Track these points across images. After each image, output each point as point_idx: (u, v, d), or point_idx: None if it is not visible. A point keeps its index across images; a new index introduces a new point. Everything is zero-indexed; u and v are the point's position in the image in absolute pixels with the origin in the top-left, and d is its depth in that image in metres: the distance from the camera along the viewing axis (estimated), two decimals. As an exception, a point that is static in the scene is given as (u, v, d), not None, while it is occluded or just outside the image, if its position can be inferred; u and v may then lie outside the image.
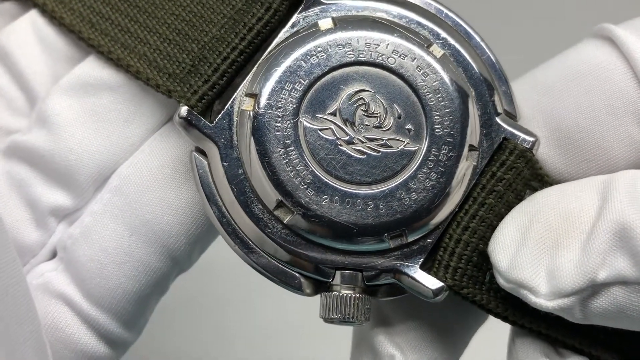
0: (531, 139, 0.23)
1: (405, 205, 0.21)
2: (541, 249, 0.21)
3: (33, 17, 0.27)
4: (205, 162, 0.22)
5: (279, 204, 0.22)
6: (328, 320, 0.22)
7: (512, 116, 0.24)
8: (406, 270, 0.22)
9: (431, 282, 0.22)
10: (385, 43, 0.22)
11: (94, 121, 0.25)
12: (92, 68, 0.26)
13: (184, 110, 0.22)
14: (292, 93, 0.22)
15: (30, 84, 0.26)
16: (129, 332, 0.25)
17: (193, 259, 0.25)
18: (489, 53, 0.24)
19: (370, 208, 0.21)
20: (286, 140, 0.22)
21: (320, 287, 0.22)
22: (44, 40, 0.26)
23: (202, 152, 0.23)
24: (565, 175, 0.24)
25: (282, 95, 0.22)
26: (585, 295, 0.21)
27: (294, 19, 0.23)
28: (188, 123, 0.22)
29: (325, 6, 0.23)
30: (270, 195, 0.22)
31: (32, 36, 0.27)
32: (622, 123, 0.24)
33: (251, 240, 0.22)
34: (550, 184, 0.24)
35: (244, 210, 0.22)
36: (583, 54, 0.25)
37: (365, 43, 0.22)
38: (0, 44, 0.27)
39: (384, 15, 0.23)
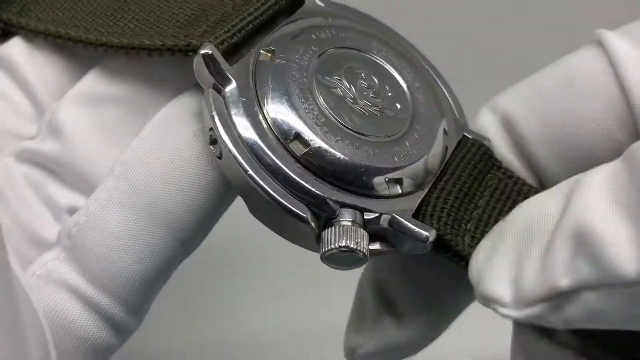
0: (486, 142, 0.26)
1: (403, 157, 0.24)
2: (507, 260, 0.22)
3: (28, 37, 0.28)
4: (221, 98, 0.23)
5: (296, 136, 0.23)
6: (328, 254, 0.22)
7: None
8: (400, 215, 0.23)
9: (423, 227, 0.23)
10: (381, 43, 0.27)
11: (104, 132, 0.26)
12: (96, 81, 0.26)
13: (207, 47, 0.23)
14: (304, 56, 0.25)
15: (35, 92, 0.27)
16: (132, 318, 0.25)
17: (197, 241, 0.26)
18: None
19: (375, 153, 0.24)
20: (302, 86, 0.24)
21: (324, 224, 0.23)
22: (43, 52, 0.27)
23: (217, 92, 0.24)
24: (556, 178, 0.25)
25: (297, 55, 0.24)
26: (555, 303, 0.20)
27: None
28: (210, 59, 0.23)
29: None
30: (287, 127, 0.23)
31: (33, 48, 0.27)
32: (606, 127, 0.24)
33: (264, 169, 0.23)
34: (506, 173, 0.26)
35: (260, 139, 0.23)
36: (578, 59, 0.25)
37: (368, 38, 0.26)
38: (2, 55, 0.27)
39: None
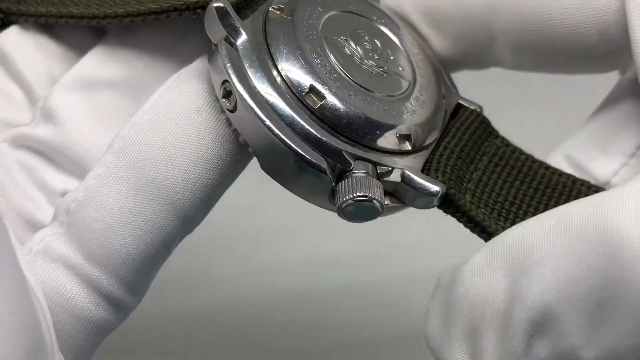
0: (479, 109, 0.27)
1: (411, 115, 0.24)
2: (462, 349, 0.22)
3: (22, 24, 0.28)
4: (234, 51, 0.23)
5: (310, 89, 0.23)
6: (344, 205, 0.23)
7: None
8: (411, 170, 0.24)
9: (432, 182, 0.24)
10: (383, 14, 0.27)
11: (99, 116, 0.26)
12: (92, 66, 0.26)
13: (219, 0, 0.23)
14: (312, 14, 0.25)
15: (28, 82, 0.27)
16: (131, 296, 0.24)
17: (199, 218, 0.25)
18: None
19: (385, 109, 0.24)
20: (313, 42, 0.24)
21: (338, 177, 0.23)
22: (36, 41, 0.27)
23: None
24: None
25: (306, 13, 0.25)
26: None
27: None
28: (223, 12, 0.23)
29: None
30: (302, 79, 0.23)
31: (26, 37, 0.27)
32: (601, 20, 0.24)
33: (280, 120, 0.23)
34: (504, 142, 0.26)
35: (275, 91, 0.23)
36: None
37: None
38: None
39: None
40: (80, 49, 0.27)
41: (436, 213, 0.24)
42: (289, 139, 0.22)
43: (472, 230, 0.24)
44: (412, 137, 0.24)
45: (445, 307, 0.23)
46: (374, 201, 0.22)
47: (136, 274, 0.24)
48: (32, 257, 0.24)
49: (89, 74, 0.26)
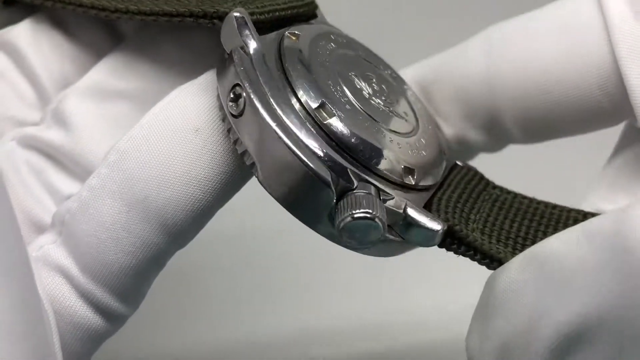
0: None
1: (416, 153, 0.24)
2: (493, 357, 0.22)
3: (37, 19, 0.27)
4: (248, 58, 0.23)
5: (321, 105, 0.23)
6: (343, 223, 0.21)
7: None
8: (412, 207, 0.23)
9: (434, 219, 0.23)
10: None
11: (111, 126, 0.26)
12: (108, 74, 0.26)
13: (239, 11, 0.23)
14: (326, 47, 0.25)
15: (41, 81, 0.27)
16: (126, 306, 0.25)
17: (191, 236, 0.25)
18: None
19: (392, 140, 0.24)
20: (326, 67, 0.24)
21: (339, 196, 0.22)
22: (50, 39, 0.27)
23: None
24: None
25: (320, 44, 0.25)
26: None
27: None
28: (242, 21, 0.23)
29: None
30: (314, 95, 0.23)
31: (40, 34, 0.27)
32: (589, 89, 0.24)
33: (289, 128, 0.22)
34: (503, 190, 0.26)
35: (285, 102, 0.22)
36: (567, 9, 0.25)
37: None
38: (8, 39, 0.27)
39: None
40: (95, 52, 0.27)
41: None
42: (294, 146, 0.22)
43: (489, 267, 0.23)
44: (415, 172, 0.24)
45: (481, 320, 0.23)
46: (376, 219, 0.21)
47: (130, 287, 0.24)
48: (34, 263, 0.24)
49: (105, 83, 0.26)
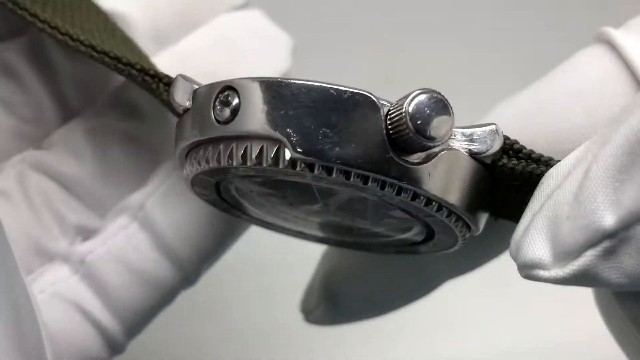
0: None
1: None
2: (542, 219, 0.19)
3: (36, 35, 0.28)
4: None
5: None
6: (408, 99, 0.18)
7: None
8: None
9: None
10: None
11: (122, 161, 0.27)
12: (114, 111, 0.27)
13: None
14: None
15: (38, 99, 0.27)
16: (128, 342, 0.27)
17: (200, 276, 0.28)
18: None
19: None
20: None
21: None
22: (49, 58, 0.28)
23: None
24: None
25: None
26: (605, 249, 0.17)
27: None
28: (189, 78, 0.22)
29: None
30: None
31: (38, 52, 0.28)
32: None
33: None
34: None
35: None
36: (585, 66, 0.23)
37: None
38: (5, 60, 0.28)
39: None
40: (92, 68, 0.28)
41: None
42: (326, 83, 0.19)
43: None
44: None
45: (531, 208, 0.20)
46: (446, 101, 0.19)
47: (140, 323, 0.27)
48: (47, 298, 0.25)
49: (111, 120, 0.27)
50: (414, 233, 0.23)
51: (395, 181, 0.19)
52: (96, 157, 0.27)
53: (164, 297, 0.27)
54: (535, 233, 0.19)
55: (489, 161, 0.20)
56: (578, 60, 0.23)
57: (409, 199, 0.20)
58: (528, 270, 0.19)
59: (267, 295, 0.45)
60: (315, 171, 0.19)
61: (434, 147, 0.19)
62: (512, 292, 0.26)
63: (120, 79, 0.28)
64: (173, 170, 0.27)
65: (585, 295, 0.25)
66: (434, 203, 0.20)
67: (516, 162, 0.21)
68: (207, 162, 0.21)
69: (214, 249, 0.27)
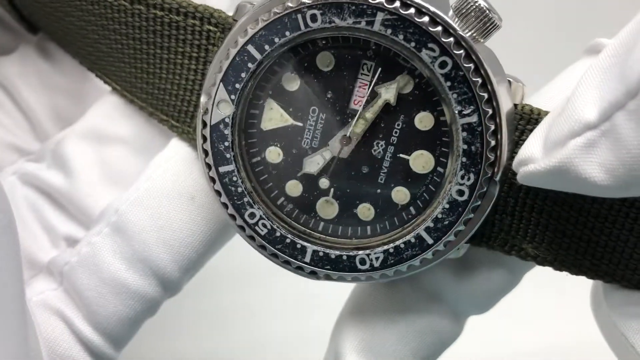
0: None
1: None
2: (542, 128, 0.21)
3: (27, 51, 0.28)
4: None
5: None
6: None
7: None
8: None
9: None
10: None
11: (109, 170, 0.27)
12: (104, 118, 0.27)
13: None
14: None
15: (31, 112, 0.28)
16: (116, 353, 0.26)
17: (182, 286, 0.27)
18: None
19: None
20: None
21: None
22: (40, 72, 0.28)
23: None
24: None
25: None
26: (587, 140, 0.18)
27: None
28: None
29: None
30: None
31: (29, 67, 0.28)
32: None
33: None
34: None
35: None
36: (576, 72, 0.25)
37: None
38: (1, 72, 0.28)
39: None
40: (82, 82, 0.28)
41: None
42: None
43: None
44: None
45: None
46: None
47: (124, 334, 0.26)
48: (32, 307, 0.25)
49: (100, 127, 0.27)
50: None
51: None
52: (85, 168, 0.27)
53: (143, 306, 0.26)
54: (532, 135, 0.21)
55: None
56: (573, 72, 0.26)
57: None
58: (523, 166, 0.20)
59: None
60: None
61: None
62: (512, 293, 0.27)
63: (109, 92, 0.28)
64: (152, 175, 0.26)
65: (583, 299, 0.26)
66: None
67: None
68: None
69: (195, 256, 0.26)
